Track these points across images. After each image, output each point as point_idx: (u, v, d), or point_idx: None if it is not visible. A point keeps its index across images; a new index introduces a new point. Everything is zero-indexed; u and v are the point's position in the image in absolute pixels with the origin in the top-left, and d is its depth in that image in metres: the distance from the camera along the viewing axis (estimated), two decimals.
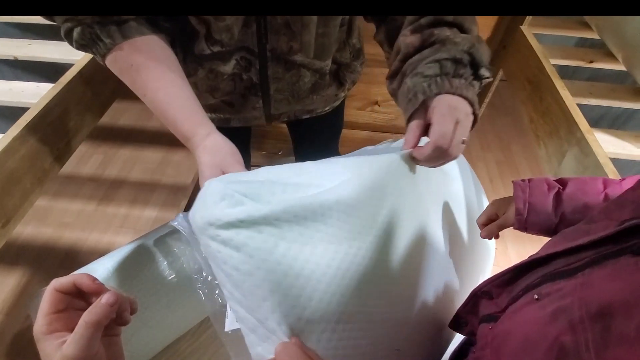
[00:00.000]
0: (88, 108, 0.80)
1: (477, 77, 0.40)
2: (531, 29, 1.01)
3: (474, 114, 0.41)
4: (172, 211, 1.40)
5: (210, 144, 0.47)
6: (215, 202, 0.35)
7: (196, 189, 1.41)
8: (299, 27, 0.51)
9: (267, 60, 0.56)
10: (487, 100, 1.18)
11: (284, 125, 0.84)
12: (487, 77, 0.41)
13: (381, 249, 0.43)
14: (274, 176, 0.38)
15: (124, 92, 1.00)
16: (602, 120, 1.61)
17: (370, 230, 0.41)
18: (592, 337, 0.26)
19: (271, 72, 0.58)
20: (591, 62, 0.94)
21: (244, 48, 0.54)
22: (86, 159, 1.61)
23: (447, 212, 0.62)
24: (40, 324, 0.30)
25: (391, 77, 0.47)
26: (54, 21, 0.45)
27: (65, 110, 0.73)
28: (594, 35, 0.98)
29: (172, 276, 0.76)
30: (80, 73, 0.77)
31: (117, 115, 1.79)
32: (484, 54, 0.41)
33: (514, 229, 0.55)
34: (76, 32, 0.44)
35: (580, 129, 0.67)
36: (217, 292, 0.77)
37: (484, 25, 1.04)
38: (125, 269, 0.74)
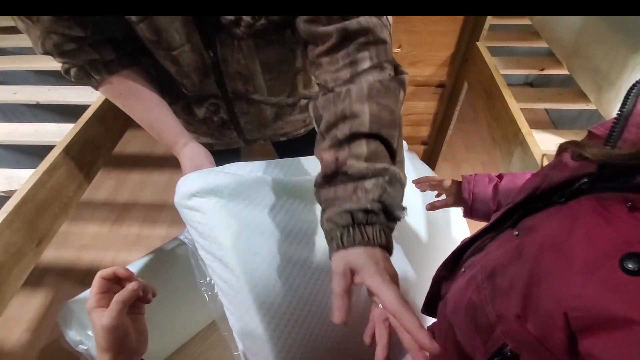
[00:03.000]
0: (102, 143, 0.93)
1: (392, 219, 0.39)
2: (487, 43, 1.13)
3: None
4: (179, 228, 1.52)
5: (189, 151, 0.60)
6: (183, 183, 0.53)
7: None
8: (248, 74, 0.60)
9: (231, 100, 0.65)
10: (457, 109, 1.30)
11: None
12: (402, 217, 0.40)
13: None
14: (224, 169, 0.57)
15: (131, 124, 1.13)
16: (577, 121, 1.72)
17: (307, 197, 0.59)
18: (488, 293, 0.35)
19: (237, 109, 0.67)
20: (542, 69, 1.05)
21: (211, 95, 0.63)
22: (99, 185, 1.74)
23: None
24: (91, 301, 0.43)
25: (317, 187, 0.44)
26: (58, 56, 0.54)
27: (84, 146, 0.86)
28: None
29: (180, 283, 0.87)
30: (95, 114, 0.90)
31: (125, 143, 1.93)
32: (397, 196, 0.40)
33: (463, 216, 0.65)
34: (73, 71, 0.56)
35: (521, 132, 0.78)
36: (219, 294, 0.87)
37: (447, 43, 1.17)
38: (142, 278, 0.85)
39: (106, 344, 0.41)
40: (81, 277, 1.41)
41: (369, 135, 0.40)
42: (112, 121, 0.95)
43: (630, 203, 0.27)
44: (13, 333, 1.26)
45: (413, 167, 0.82)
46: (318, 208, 0.44)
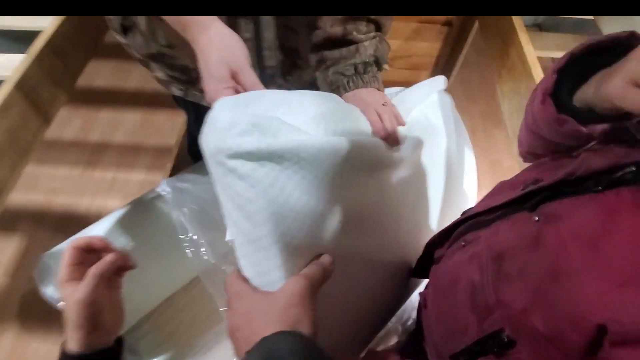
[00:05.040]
0: (61, 78, 0.80)
1: (380, 69, 0.58)
2: None
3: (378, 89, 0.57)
4: (159, 174, 1.43)
5: (216, 36, 0.43)
6: (225, 128, 0.37)
7: (180, 151, 1.43)
8: None
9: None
10: (463, 52, 1.20)
11: None
12: (386, 69, 0.59)
13: (364, 193, 0.48)
14: (281, 111, 0.41)
15: (94, 55, 0.98)
16: None
17: (353, 176, 0.45)
18: (492, 275, 0.33)
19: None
20: None
21: None
22: (66, 123, 1.59)
23: (426, 161, 0.66)
24: (62, 273, 0.39)
25: (313, 50, 0.59)
26: None
27: (40, 81, 0.74)
28: None
29: (162, 238, 0.83)
30: (49, 43, 0.76)
31: (92, 76, 1.74)
32: (385, 52, 0.58)
33: None
34: None
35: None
36: (202, 250, 0.85)
37: None
38: (117, 235, 0.80)
39: (79, 320, 0.38)
40: (55, 222, 1.35)
41: (370, 20, 0.56)
42: (70, 52, 0.82)
43: None
44: None
45: (443, 113, 0.73)
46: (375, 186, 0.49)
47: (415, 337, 0.48)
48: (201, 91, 0.60)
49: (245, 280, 0.39)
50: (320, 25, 0.56)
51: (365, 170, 0.47)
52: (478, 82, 1.81)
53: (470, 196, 0.82)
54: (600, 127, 0.30)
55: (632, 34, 0.32)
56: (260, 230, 0.39)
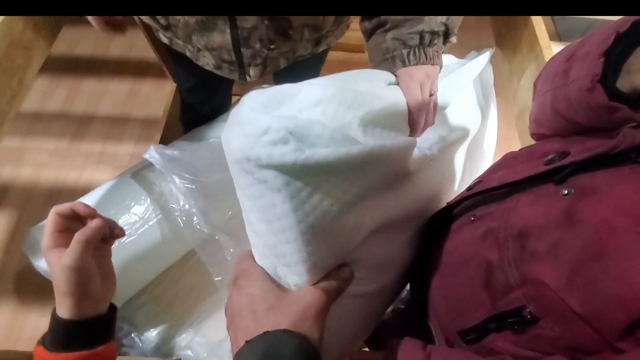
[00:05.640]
0: (33, 43, 0.75)
1: (446, 42, 0.48)
2: None
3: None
4: (147, 145, 1.38)
5: None
6: (256, 133, 0.32)
7: (169, 121, 1.38)
8: None
9: None
10: None
11: None
12: (453, 42, 0.48)
13: (401, 195, 0.43)
14: (319, 112, 0.36)
15: (71, 18, 0.92)
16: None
17: (391, 182, 0.41)
18: (513, 254, 0.30)
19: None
20: None
21: None
22: (50, 93, 1.53)
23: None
24: (46, 240, 0.37)
25: (365, 17, 0.50)
26: None
27: (8, 48, 0.69)
28: None
29: (156, 209, 0.80)
30: None
31: (73, 43, 1.66)
32: (456, 22, 0.48)
33: None
34: None
35: (539, 44, 0.67)
36: (194, 219, 0.82)
37: None
38: (108, 207, 0.78)
39: (68, 287, 0.36)
40: (44, 196, 1.32)
41: None
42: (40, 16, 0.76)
43: None
44: None
45: (477, 96, 0.67)
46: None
47: (415, 312, 0.46)
48: (184, 40, 0.53)
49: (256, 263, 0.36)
50: None
51: (403, 172, 0.43)
52: (476, 46, 1.74)
53: (488, 154, 0.78)
54: None
55: None
56: (288, 248, 0.35)
